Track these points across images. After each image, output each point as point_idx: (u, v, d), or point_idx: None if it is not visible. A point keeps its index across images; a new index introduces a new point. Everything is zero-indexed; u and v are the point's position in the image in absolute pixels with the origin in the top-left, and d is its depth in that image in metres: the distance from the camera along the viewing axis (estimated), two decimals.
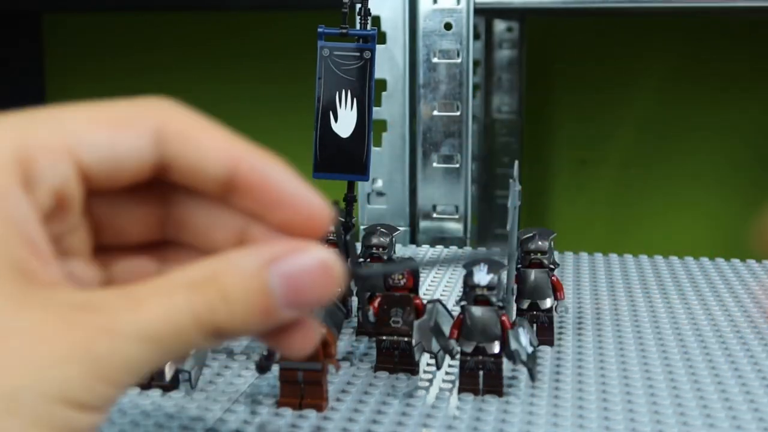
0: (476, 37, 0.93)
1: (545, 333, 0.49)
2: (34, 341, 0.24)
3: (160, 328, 0.25)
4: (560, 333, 0.51)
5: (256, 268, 0.26)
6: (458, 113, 0.78)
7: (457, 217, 0.79)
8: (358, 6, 0.51)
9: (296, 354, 0.29)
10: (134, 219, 0.30)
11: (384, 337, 0.45)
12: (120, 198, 0.29)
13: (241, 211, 0.28)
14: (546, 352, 0.48)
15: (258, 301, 0.26)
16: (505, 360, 0.43)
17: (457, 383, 0.43)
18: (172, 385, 0.43)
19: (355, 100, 0.48)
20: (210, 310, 0.25)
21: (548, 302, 0.49)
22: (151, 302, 0.25)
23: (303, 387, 0.40)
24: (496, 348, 0.42)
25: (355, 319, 0.53)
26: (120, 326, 0.25)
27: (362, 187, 0.79)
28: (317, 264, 0.26)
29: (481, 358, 0.42)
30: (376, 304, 0.45)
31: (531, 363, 0.43)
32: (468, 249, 0.78)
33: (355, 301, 0.53)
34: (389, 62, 0.77)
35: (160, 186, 0.29)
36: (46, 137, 0.26)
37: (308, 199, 0.28)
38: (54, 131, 0.26)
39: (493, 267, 0.42)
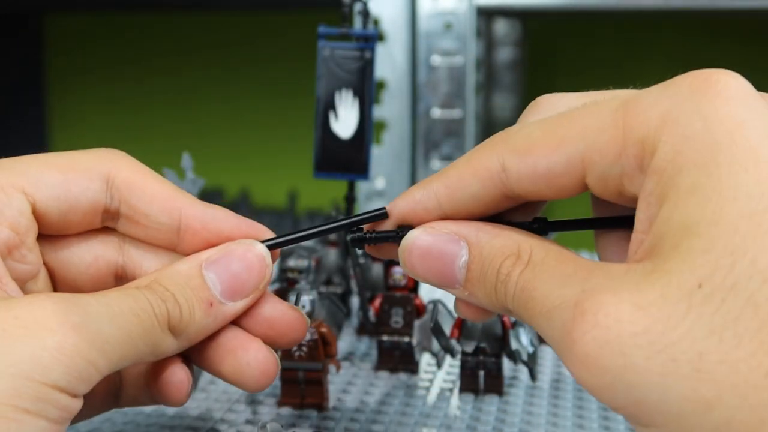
0: (477, 37, 0.93)
1: None
2: (10, 323, 0.25)
3: (124, 310, 0.27)
4: None
5: (193, 268, 0.30)
6: (458, 113, 0.78)
7: None
8: (359, 6, 0.51)
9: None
10: (87, 264, 0.32)
11: (385, 337, 0.45)
12: (73, 245, 0.32)
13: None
14: (546, 352, 0.48)
15: (200, 295, 0.29)
16: (505, 360, 0.43)
17: (457, 383, 0.43)
18: None
19: (355, 100, 0.48)
20: (161, 301, 0.28)
21: None
22: (112, 292, 0.28)
23: (304, 387, 0.40)
24: (496, 348, 0.42)
25: (356, 319, 0.53)
26: (89, 301, 0.26)
27: (362, 187, 0.79)
28: (245, 254, 0.30)
29: (481, 358, 0.42)
30: (376, 304, 0.45)
31: (531, 363, 0.43)
32: None
33: (355, 301, 0.53)
34: (389, 62, 0.77)
35: (112, 240, 0.32)
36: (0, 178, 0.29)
37: (250, 229, 0.31)
38: (7, 173, 0.29)
39: None
